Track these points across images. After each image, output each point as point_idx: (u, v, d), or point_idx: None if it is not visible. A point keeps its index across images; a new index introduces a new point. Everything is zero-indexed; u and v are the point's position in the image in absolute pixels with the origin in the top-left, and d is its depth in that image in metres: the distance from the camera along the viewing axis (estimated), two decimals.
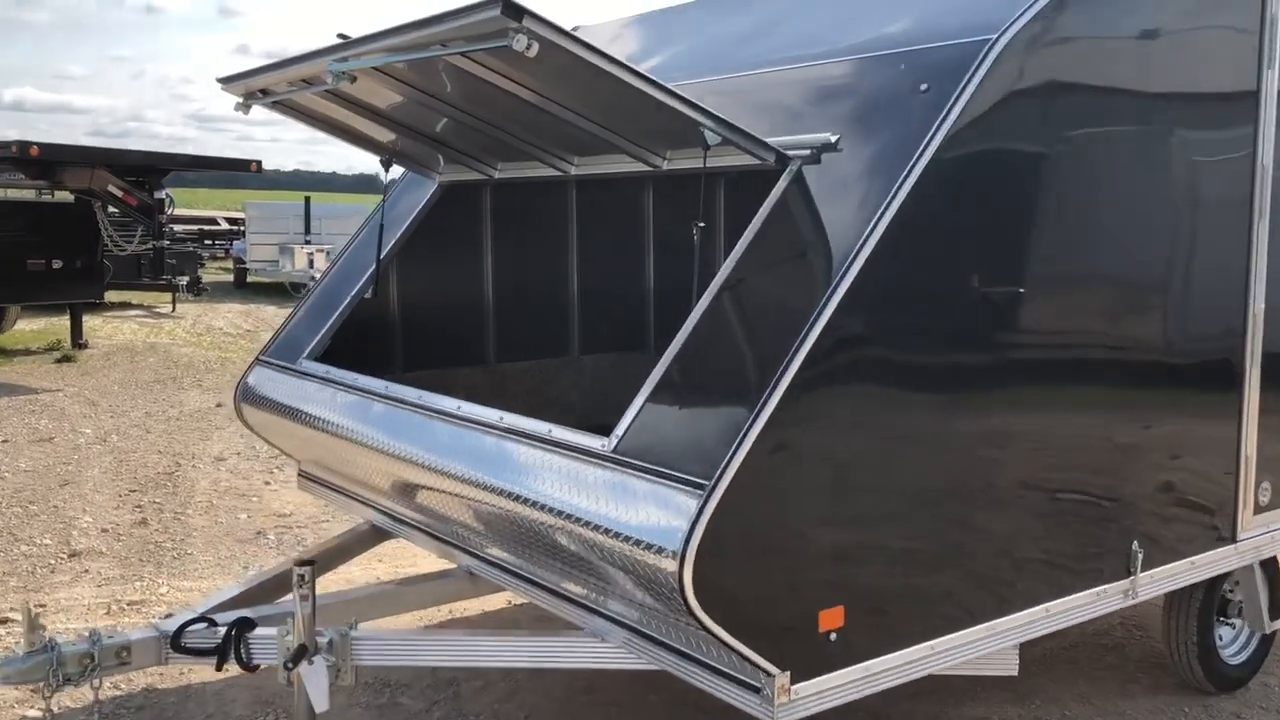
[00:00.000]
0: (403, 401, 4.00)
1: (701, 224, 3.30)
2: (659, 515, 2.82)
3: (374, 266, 4.89)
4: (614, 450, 3.08)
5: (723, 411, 2.95)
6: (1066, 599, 3.65)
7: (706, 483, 2.75)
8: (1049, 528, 3.54)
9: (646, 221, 5.91)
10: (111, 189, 13.97)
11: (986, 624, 3.39)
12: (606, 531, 3.01)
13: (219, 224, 28.64)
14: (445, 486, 3.71)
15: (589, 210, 5.60)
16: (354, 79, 3.59)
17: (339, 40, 3.69)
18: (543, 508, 3.24)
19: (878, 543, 3.08)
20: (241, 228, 26.45)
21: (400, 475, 3.99)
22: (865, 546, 3.05)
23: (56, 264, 13.46)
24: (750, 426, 2.77)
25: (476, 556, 4.01)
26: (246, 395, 4.95)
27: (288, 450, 5.06)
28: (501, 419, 3.55)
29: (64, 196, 14.97)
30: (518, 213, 5.44)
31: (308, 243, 22.18)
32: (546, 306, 5.67)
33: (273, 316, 18.58)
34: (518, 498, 3.34)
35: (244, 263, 22.84)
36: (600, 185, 5.51)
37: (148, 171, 14.59)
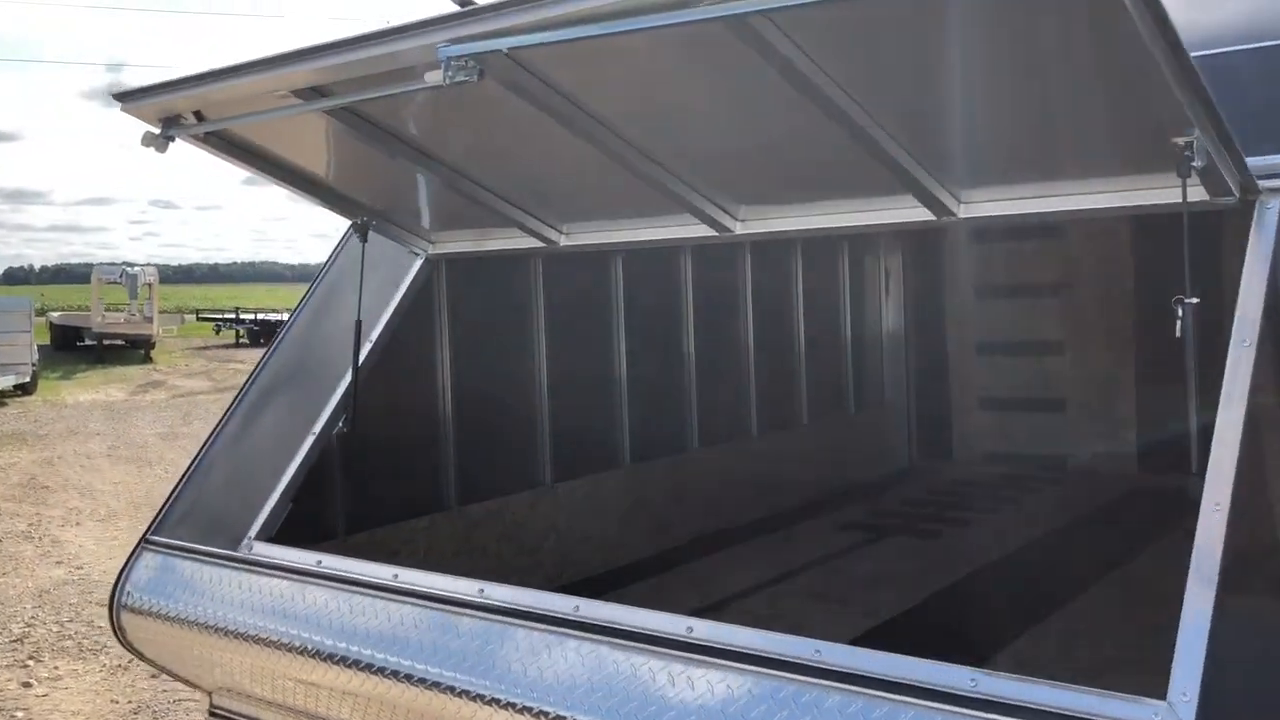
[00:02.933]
0: (581, 626, 2.34)
1: (1194, 300, 1.96)
2: None
3: (349, 380, 3.18)
4: None
5: None
6: None
7: None
8: None
9: (616, 302, 4.48)
10: None
11: None
12: None
13: None
14: None
15: (559, 291, 4.12)
16: (481, 74, 2.02)
17: (459, 8, 2.09)
18: None
19: None
20: None
21: None
22: None
23: None
24: None
25: None
26: (138, 603, 3.06)
27: (205, 681, 3.17)
28: (816, 651, 2.02)
29: None
30: (499, 296, 3.89)
31: None
32: (514, 425, 4.13)
33: None
34: None
35: None
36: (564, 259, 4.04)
37: None
